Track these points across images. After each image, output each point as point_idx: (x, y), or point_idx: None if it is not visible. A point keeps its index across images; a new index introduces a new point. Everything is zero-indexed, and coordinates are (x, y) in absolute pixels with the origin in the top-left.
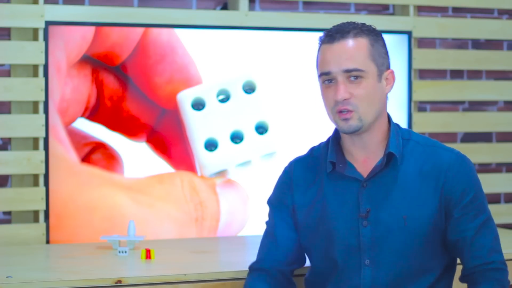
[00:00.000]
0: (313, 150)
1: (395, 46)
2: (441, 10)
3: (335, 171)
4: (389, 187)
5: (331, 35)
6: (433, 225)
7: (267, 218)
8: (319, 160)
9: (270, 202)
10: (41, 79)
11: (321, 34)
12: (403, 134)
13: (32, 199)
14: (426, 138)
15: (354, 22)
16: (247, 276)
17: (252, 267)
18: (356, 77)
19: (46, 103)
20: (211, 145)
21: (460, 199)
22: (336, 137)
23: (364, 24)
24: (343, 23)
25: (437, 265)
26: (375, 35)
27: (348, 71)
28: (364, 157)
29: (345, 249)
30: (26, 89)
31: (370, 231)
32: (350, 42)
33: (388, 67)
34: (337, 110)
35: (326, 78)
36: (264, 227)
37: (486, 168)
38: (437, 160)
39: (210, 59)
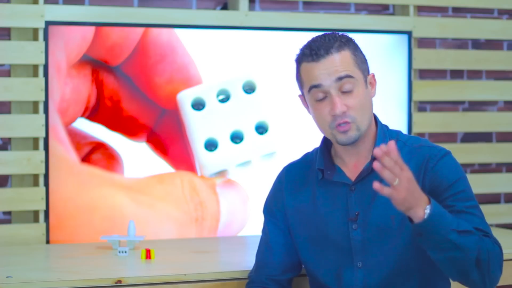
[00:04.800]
0: (306, 155)
1: (395, 46)
2: (441, 10)
3: (325, 178)
4: None
5: (315, 53)
6: None
7: (263, 225)
8: (311, 166)
9: (264, 209)
10: (41, 79)
11: (320, 33)
12: (391, 135)
13: (32, 199)
14: (413, 138)
15: (330, 35)
16: (245, 287)
17: (250, 278)
18: (347, 90)
19: (46, 103)
20: (211, 145)
21: (439, 189)
22: (325, 143)
23: (340, 34)
24: (320, 38)
25: (430, 264)
26: (353, 44)
27: (340, 78)
28: (354, 161)
29: (337, 252)
30: (26, 89)
31: (360, 234)
32: (335, 56)
33: (369, 72)
34: (336, 124)
35: (318, 92)
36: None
37: (486, 168)
38: (419, 157)
39: (210, 59)
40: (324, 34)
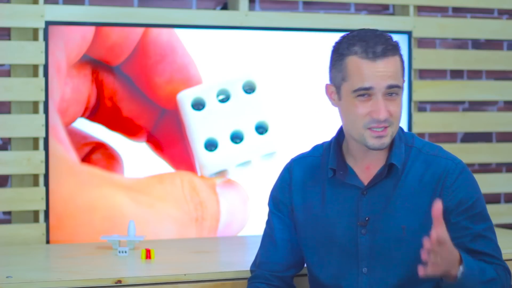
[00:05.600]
0: (315, 149)
1: None
2: (441, 10)
3: (335, 177)
4: (389, 196)
5: (373, 52)
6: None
7: (267, 217)
8: (320, 162)
9: (269, 202)
10: (41, 79)
11: (320, 33)
12: (406, 139)
13: (32, 199)
14: (428, 145)
15: (380, 32)
16: (248, 282)
17: (253, 273)
18: (392, 97)
19: (46, 103)
20: (211, 145)
21: (456, 208)
22: (338, 140)
23: (389, 34)
24: (372, 34)
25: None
26: (400, 50)
27: (390, 87)
28: (368, 163)
29: (343, 256)
30: (26, 89)
31: (369, 240)
32: (391, 60)
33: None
34: (372, 126)
35: (363, 92)
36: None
37: (486, 168)
38: (436, 169)
39: (210, 59)
40: (373, 30)
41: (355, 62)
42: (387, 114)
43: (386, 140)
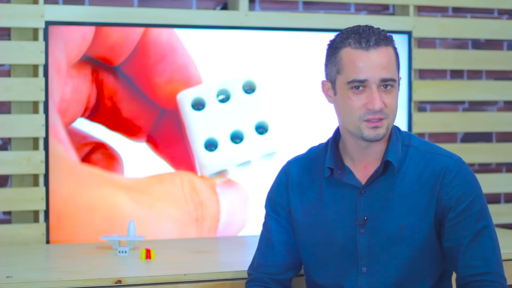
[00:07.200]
0: (311, 151)
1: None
2: (441, 10)
3: (333, 177)
4: (387, 195)
5: (366, 41)
6: (431, 233)
7: (264, 220)
8: (317, 163)
9: (266, 204)
10: (41, 79)
11: (320, 33)
12: (403, 138)
13: (32, 199)
14: (426, 143)
15: (373, 26)
16: (245, 285)
17: (251, 276)
18: (387, 89)
19: (46, 103)
20: (211, 145)
21: (456, 205)
22: (335, 140)
23: (384, 30)
24: (364, 27)
25: (435, 270)
26: (394, 42)
27: (384, 80)
28: (365, 162)
29: (342, 256)
30: (26, 89)
31: (368, 239)
32: (384, 51)
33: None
34: (368, 118)
35: (358, 84)
36: None
37: (486, 168)
38: (435, 167)
39: (210, 59)
40: (367, 25)
41: (349, 54)
42: (381, 104)
43: (382, 131)
